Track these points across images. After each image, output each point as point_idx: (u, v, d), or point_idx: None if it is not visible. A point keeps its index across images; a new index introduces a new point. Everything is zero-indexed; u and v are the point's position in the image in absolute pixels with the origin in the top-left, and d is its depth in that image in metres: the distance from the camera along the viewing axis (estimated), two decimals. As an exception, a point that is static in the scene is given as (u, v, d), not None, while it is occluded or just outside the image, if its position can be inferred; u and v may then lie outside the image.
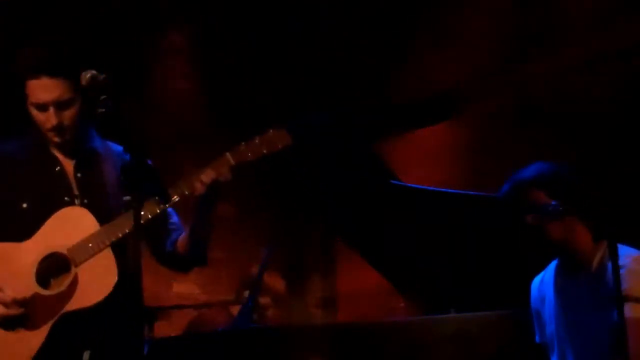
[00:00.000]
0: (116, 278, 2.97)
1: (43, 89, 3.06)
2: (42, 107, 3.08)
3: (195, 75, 6.29)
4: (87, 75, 2.98)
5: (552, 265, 3.50)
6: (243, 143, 3.09)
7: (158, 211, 3.03)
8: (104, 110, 2.87)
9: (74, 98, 3.08)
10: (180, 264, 3.30)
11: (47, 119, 3.07)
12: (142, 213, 2.96)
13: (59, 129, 3.05)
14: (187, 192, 3.04)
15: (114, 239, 2.98)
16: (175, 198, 3.04)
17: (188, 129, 6.24)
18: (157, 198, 3.01)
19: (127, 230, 2.98)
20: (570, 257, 3.36)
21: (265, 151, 3.08)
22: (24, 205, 3.06)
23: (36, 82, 3.07)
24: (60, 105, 3.06)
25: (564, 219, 3.28)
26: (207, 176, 3.04)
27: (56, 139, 3.09)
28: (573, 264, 3.36)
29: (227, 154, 3.08)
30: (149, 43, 5.96)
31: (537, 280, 3.56)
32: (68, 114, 3.08)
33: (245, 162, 3.08)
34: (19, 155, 3.16)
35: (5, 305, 2.93)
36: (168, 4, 6.00)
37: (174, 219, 3.28)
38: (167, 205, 3.03)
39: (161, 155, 3.36)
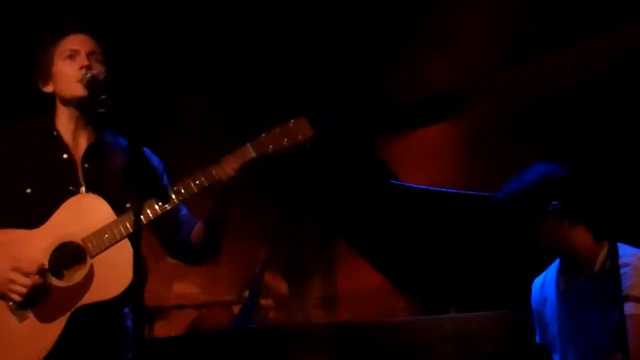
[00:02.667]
0: (133, 272, 2.85)
1: (78, 41, 3.11)
2: (74, 54, 3.08)
3: (195, 75, 6.29)
4: (87, 75, 3.00)
5: (554, 265, 3.50)
6: (263, 134, 3.02)
7: (177, 202, 2.98)
8: (104, 110, 2.88)
9: (103, 63, 3.09)
10: (194, 255, 3.24)
11: (78, 63, 3.05)
12: (158, 205, 2.95)
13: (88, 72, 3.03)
14: (206, 184, 2.99)
15: (130, 230, 2.91)
16: (194, 190, 2.99)
17: (188, 128, 6.24)
18: (169, 191, 2.98)
19: (144, 221, 2.93)
20: (571, 257, 3.36)
21: (286, 142, 3.00)
22: (28, 191, 3.00)
23: (72, 36, 3.12)
24: (92, 55, 3.08)
25: (564, 219, 3.28)
26: (228, 166, 2.98)
27: (81, 91, 3.00)
28: (575, 264, 3.36)
29: (248, 144, 3.02)
30: (150, 43, 5.96)
31: (538, 281, 3.56)
32: (98, 66, 3.07)
33: (266, 155, 3.01)
34: (26, 139, 3.11)
35: (30, 274, 2.85)
36: (169, 5, 6.00)
37: (184, 211, 3.22)
38: (186, 197, 2.98)
39: (162, 155, 3.33)
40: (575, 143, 5.19)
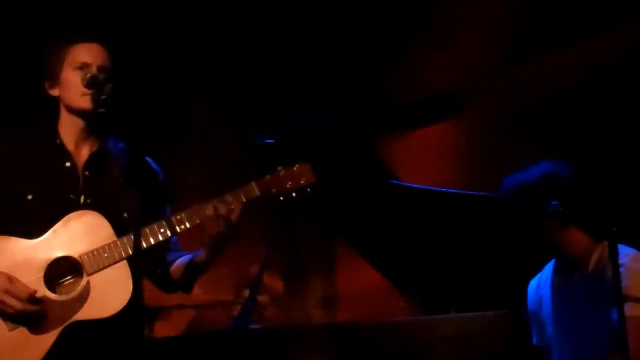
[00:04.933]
0: (130, 294, 2.89)
1: (90, 52, 3.08)
2: (84, 67, 3.05)
3: (196, 75, 6.29)
4: (87, 75, 2.99)
5: (549, 266, 3.50)
6: (268, 175, 3.06)
7: (178, 230, 2.99)
8: (104, 110, 2.88)
9: (111, 77, 3.05)
10: (167, 285, 3.24)
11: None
12: (162, 230, 2.96)
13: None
14: (208, 216, 2.99)
15: (131, 253, 2.92)
16: (196, 221, 3.00)
17: (188, 128, 6.25)
18: (172, 219, 2.99)
19: (144, 246, 2.94)
20: (566, 257, 3.36)
21: (289, 186, 3.05)
22: (29, 197, 3.00)
23: (85, 45, 3.09)
24: (102, 70, 3.05)
25: (558, 219, 3.28)
26: (233, 203, 2.98)
27: (87, 104, 2.99)
28: (570, 264, 3.36)
29: (253, 183, 3.04)
30: (150, 44, 5.97)
31: (533, 282, 3.56)
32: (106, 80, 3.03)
33: (269, 196, 3.04)
34: (31, 145, 3.11)
35: (21, 300, 2.85)
36: (169, 5, 6.00)
37: (173, 238, 3.20)
38: (187, 227, 2.98)
39: (163, 156, 3.33)
40: (575, 143, 5.19)
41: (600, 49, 5.29)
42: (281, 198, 3.06)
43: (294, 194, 3.06)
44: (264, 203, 3.06)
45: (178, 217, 3.00)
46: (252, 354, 3.93)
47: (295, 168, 3.08)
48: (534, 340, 3.53)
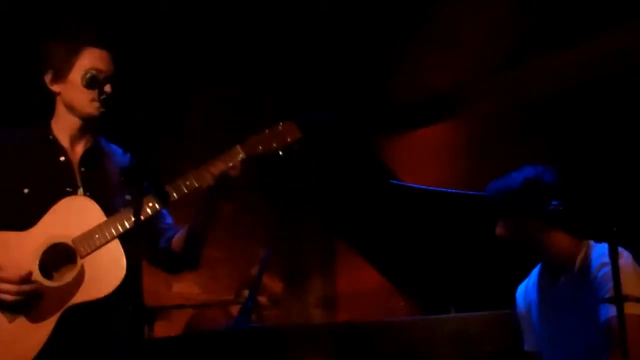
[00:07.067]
0: (125, 271, 2.91)
1: (101, 59, 3.09)
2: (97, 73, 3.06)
3: (195, 75, 6.30)
4: (86, 75, 3.00)
5: (535, 271, 3.49)
6: (254, 135, 3.09)
7: (171, 200, 3.00)
8: (103, 110, 2.90)
9: (111, 78, 3.09)
10: (172, 263, 3.25)
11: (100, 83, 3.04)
12: (150, 204, 2.97)
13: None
14: (197, 185, 3.02)
15: (121, 231, 2.94)
16: (184, 190, 3.01)
17: (188, 128, 6.25)
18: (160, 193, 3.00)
19: (134, 223, 2.94)
20: (552, 259, 3.35)
21: (275, 145, 3.08)
22: (25, 191, 3.02)
23: (97, 50, 3.10)
24: (108, 79, 3.07)
25: (540, 222, 3.28)
26: (217, 168, 3.03)
27: (96, 110, 3.02)
28: (555, 266, 3.35)
29: (238, 146, 3.07)
30: (150, 44, 5.97)
31: (521, 288, 3.54)
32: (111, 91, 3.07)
33: (255, 156, 3.07)
34: (25, 142, 3.13)
35: (15, 282, 2.86)
36: (169, 5, 6.00)
37: (168, 219, 3.24)
38: (175, 198, 3.00)
39: (162, 156, 3.34)
40: (576, 143, 5.19)
41: (600, 49, 5.29)
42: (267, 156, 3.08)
43: (280, 153, 3.08)
44: (252, 165, 3.08)
45: (167, 189, 3.01)
46: (252, 354, 3.93)
47: (279, 126, 3.10)
48: (525, 346, 3.51)
